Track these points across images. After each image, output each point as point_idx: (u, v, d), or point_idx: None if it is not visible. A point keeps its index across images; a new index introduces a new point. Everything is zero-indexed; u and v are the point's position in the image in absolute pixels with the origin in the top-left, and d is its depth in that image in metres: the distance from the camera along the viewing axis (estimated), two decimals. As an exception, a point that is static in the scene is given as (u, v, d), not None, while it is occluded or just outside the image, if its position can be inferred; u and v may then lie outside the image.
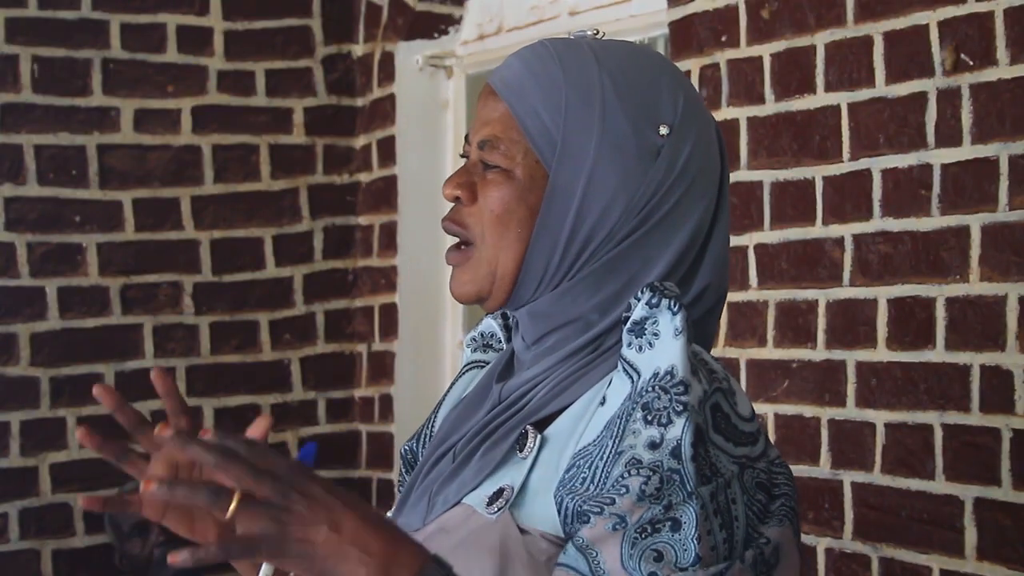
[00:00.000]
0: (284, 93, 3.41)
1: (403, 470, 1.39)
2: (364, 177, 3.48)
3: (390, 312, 3.39)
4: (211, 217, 3.32)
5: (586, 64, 1.19)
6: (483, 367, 1.36)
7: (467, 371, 1.38)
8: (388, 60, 3.41)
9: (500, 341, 1.38)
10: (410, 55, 3.38)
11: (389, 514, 1.28)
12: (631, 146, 1.17)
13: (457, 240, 1.24)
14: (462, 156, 1.26)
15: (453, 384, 1.38)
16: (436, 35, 3.39)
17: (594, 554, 1.05)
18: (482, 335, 1.39)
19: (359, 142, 3.49)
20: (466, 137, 1.25)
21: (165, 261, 3.25)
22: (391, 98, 3.38)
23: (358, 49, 3.50)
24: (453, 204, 1.23)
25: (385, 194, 3.39)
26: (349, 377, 3.51)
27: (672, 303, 1.11)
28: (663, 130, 1.18)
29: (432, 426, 1.36)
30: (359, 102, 3.50)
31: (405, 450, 1.39)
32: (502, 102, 1.20)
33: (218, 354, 3.32)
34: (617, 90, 1.18)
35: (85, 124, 3.16)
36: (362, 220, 3.48)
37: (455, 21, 3.38)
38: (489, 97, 1.22)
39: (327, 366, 3.48)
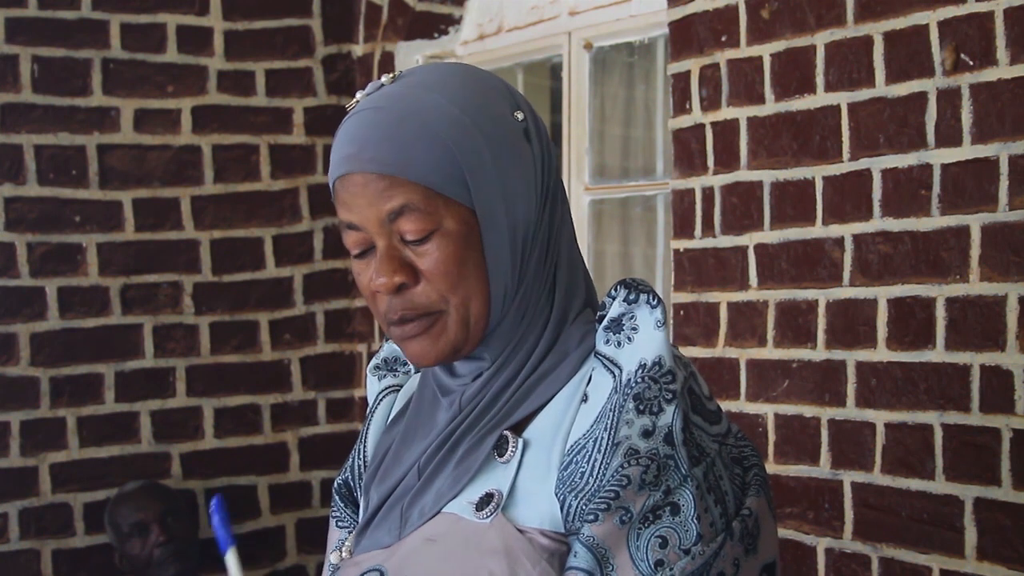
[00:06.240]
0: (284, 93, 3.41)
1: (339, 504, 1.38)
2: (364, 177, 3.47)
3: (390, 312, 3.39)
4: (211, 217, 3.32)
5: (421, 98, 1.14)
6: (398, 391, 1.37)
7: (384, 397, 1.38)
8: (388, 60, 3.41)
9: (406, 363, 1.39)
10: (410, 55, 3.39)
11: (350, 539, 1.27)
12: (508, 136, 1.16)
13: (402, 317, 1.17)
14: (358, 256, 1.17)
15: (372, 413, 1.37)
16: (436, 35, 3.39)
17: (604, 552, 1.07)
18: (385, 361, 1.40)
19: (359, 142, 3.49)
20: (349, 227, 1.16)
21: (165, 261, 3.25)
22: (391, 98, 3.37)
23: (358, 49, 3.50)
24: (390, 294, 1.15)
25: (385, 194, 3.39)
26: (349, 377, 3.51)
27: (650, 297, 1.14)
28: (519, 114, 1.18)
29: (363, 456, 1.35)
30: (359, 102, 3.50)
31: (339, 483, 1.38)
32: (386, 179, 1.12)
33: (218, 354, 3.32)
34: (467, 99, 1.15)
35: (85, 124, 3.16)
36: (362, 220, 3.47)
37: (455, 21, 3.38)
38: (368, 184, 1.13)
39: (327, 366, 3.48)
